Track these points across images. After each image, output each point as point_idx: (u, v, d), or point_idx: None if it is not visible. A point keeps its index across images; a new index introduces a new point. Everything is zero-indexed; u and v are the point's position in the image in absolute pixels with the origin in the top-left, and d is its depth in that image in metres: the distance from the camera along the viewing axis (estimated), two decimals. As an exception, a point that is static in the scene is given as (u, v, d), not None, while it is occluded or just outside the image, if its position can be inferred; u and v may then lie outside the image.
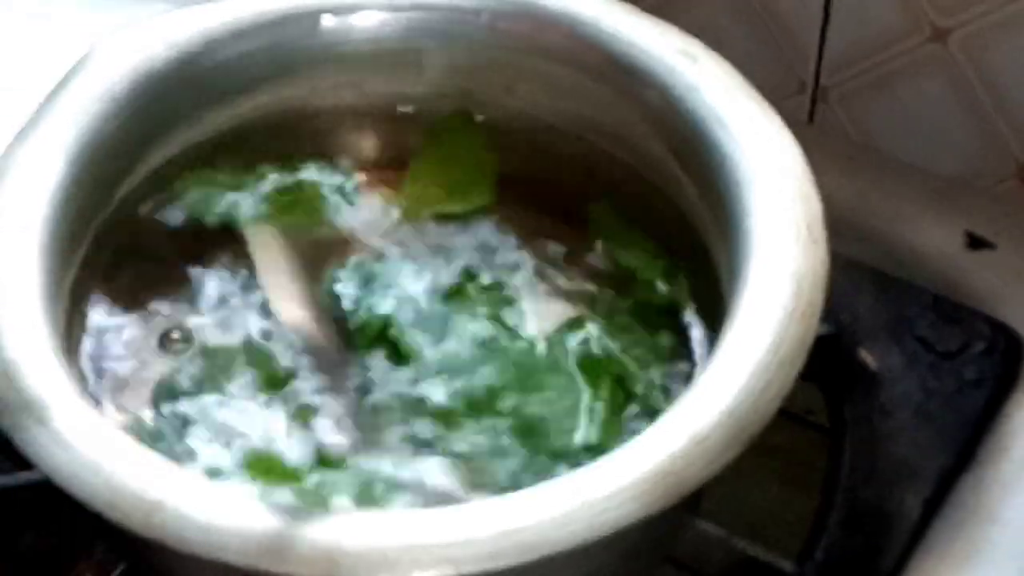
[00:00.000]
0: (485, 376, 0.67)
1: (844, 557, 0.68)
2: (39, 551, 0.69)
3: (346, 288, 0.70)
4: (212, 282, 0.72)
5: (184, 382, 0.68)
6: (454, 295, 0.70)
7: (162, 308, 0.71)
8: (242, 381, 0.68)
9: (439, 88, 0.74)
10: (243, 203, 0.72)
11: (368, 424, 0.66)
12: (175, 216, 0.72)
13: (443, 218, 0.73)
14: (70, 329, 0.67)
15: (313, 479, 0.64)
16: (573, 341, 0.69)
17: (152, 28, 0.71)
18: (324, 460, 0.65)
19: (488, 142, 0.74)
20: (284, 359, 0.68)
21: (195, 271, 0.72)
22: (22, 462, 0.60)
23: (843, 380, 0.73)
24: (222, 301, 0.71)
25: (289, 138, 0.74)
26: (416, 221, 0.73)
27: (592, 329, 0.69)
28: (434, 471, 0.64)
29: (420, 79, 0.74)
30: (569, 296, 0.71)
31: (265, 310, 0.70)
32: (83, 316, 0.69)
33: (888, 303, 0.75)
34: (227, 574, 0.57)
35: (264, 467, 0.65)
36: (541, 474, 0.63)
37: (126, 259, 0.71)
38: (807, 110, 0.85)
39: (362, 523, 0.58)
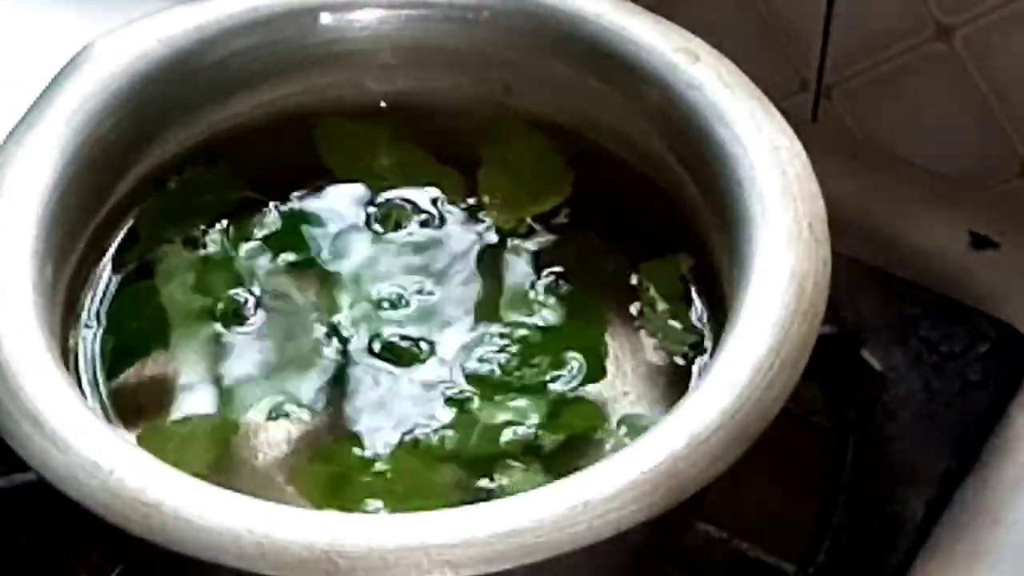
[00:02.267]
0: None
1: (847, 559, 0.68)
2: (36, 553, 0.69)
3: None
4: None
5: None
6: None
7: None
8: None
9: (438, 86, 0.74)
10: None
11: None
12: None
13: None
14: (65, 331, 0.67)
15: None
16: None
17: (147, 26, 0.71)
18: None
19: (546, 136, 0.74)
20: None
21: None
22: (18, 464, 0.60)
23: (846, 380, 0.73)
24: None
25: (286, 137, 0.74)
26: (510, 227, 0.73)
27: None
28: None
29: (419, 77, 0.74)
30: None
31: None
32: (78, 317, 0.69)
33: (891, 303, 0.75)
34: (225, 576, 0.57)
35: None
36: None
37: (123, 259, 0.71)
38: (810, 108, 0.85)
39: (361, 525, 0.57)
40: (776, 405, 0.60)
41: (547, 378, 0.67)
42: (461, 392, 0.67)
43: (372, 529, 0.57)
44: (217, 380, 0.68)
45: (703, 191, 0.69)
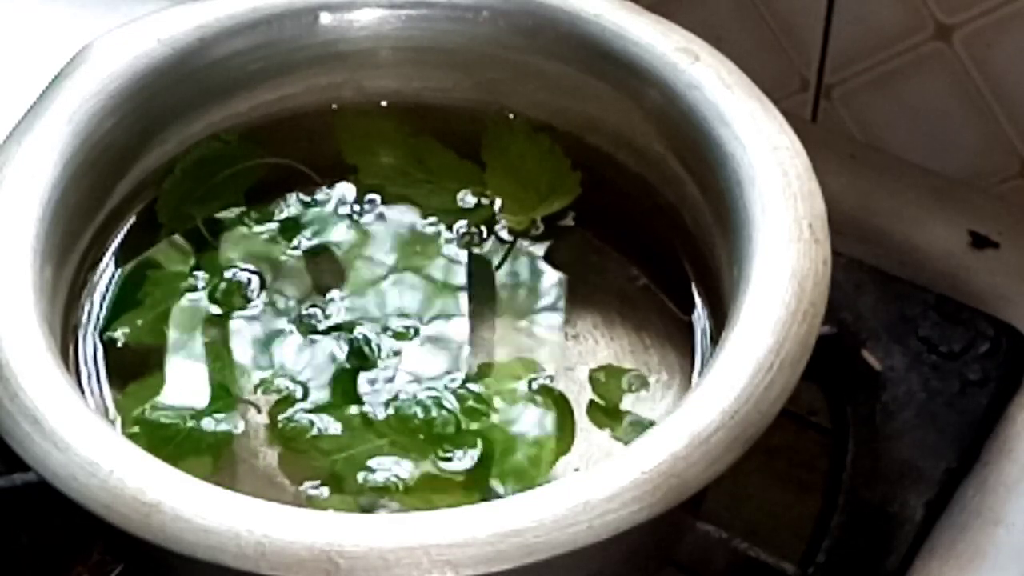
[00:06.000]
0: None
1: (846, 559, 0.68)
2: (36, 553, 0.69)
3: None
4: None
5: None
6: None
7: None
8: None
9: (438, 87, 0.74)
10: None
11: None
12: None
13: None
14: (65, 331, 0.67)
15: None
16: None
17: (147, 25, 0.71)
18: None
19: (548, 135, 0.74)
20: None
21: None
22: (18, 464, 0.60)
23: (846, 380, 0.73)
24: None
25: (286, 137, 0.74)
26: (523, 228, 0.73)
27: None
28: None
29: (419, 77, 0.74)
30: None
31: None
32: (79, 317, 0.69)
33: (891, 303, 0.75)
34: (225, 576, 0.57)
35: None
36: None
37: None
38: (810, 108, 0.85)
39: (361, 525, 0.57)
40: (776, 405, 0.60)
41: (439, 456, 0.66)
42: (375, 413, 0.67)
43: (372, 529, 0.57)
44: (213, 364, 0.68)
45: (703, 191, 0.69)
